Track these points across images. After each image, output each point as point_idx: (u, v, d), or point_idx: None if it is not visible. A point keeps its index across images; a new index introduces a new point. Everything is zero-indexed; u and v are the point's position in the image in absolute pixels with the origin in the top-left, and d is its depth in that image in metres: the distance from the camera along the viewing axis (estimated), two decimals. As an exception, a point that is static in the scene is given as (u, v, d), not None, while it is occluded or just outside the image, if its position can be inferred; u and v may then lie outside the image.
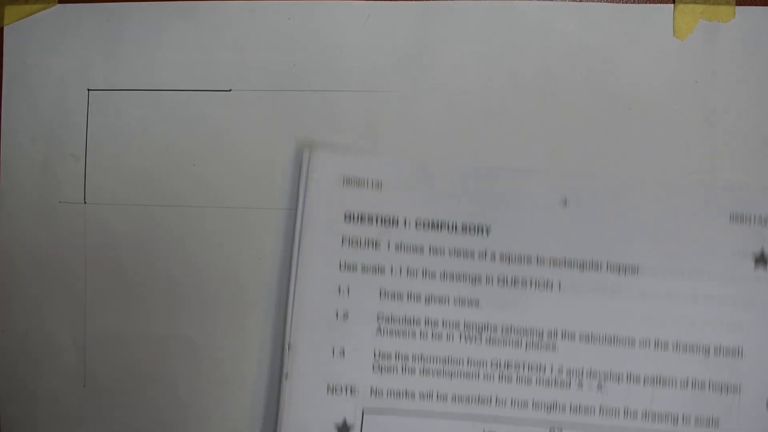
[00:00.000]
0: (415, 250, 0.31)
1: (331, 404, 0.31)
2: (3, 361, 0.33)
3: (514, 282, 0.31)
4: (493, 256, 0.31)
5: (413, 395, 0.31)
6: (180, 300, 0.32)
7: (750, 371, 0.31)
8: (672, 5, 0.30)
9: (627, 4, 0.30)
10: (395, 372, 0.31)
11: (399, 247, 0.31)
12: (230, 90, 0.32)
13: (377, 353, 0.31)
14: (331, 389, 0.31)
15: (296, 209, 0.31)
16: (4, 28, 0.32)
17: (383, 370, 0.31)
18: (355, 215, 0.31)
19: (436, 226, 0.31)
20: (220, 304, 0.32)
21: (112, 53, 0.32)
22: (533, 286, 0.31)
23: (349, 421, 0.31)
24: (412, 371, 0.31)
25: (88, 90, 0.32)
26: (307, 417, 0.31)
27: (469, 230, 0.31)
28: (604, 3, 0.31)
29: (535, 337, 0.31)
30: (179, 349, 0.32)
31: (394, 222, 0.31)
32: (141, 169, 0.32)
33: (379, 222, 0.31)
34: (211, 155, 0.32)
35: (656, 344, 0.31)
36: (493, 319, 0.31)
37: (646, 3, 0.30)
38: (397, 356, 0.31)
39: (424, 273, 0.31)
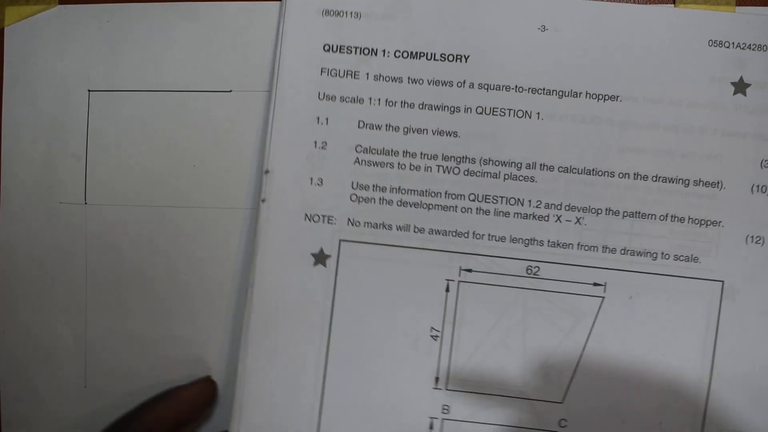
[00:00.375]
0: (394, 80, 0.31)
1: (308, 232, 0.31)
2: (3, 361, 0.33)
3: (493, 111, 0.31)
4: (472, 85, 0.31)
5: (390, 227, 0.31)
6: (182, 300, 0.32)
7: (730, 205, 0.30)
8: (672, 5, 0.31)
9: (627, 4, 0.31)
10: (373, 203, 0.31)
11: (378, 77, 0.31)
12: (231, 91, 0.32)
13: (355, 184, 0.31)
14: (309, 217, 0.31)
15: (275, 41, 0.31)
16: (5, 28, 0.32)
17: (361, 201, 0.31)
18: (335, 46, 0.31)
19: (415, 55, 0.31)
20: (223, 304, 0.32)
21: (113, 54, 0.32)
22: (512, 115, 0.31)
23: (326, 251, 0.31)
24: (390, 202, 0.31)
25: (89, 91, 0.32)
26: (284, 244, 0.31)
27: (448, 59, 0.31)
28: (604, 2, 0.31)
29: (513, 168, 0.31)
30: (180, 349, 0.32)
31: (373, 52, 0.31)
32: (142, 170, 0.32)
33: (358, 52, 0.31)
34: (211, 156, 0.32)
35: (636, 176, 0.30)
36: (471, 151, 0.31)
37: (646, 3, 0.31)
38: (375, 187, 0.31)
39: (403, 104, 0.31)
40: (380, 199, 0.31)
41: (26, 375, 0.32)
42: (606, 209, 0.30)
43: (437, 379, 0.31)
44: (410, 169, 0.31)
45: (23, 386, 0.32)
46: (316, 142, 0.31)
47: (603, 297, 0.31)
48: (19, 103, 0.32)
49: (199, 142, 0.32)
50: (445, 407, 0.31)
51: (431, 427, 0.31)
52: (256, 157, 0.32)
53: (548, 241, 0.31)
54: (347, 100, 0.31)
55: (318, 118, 0.31)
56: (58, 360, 0.32)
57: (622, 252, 0.30)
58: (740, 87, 0.30)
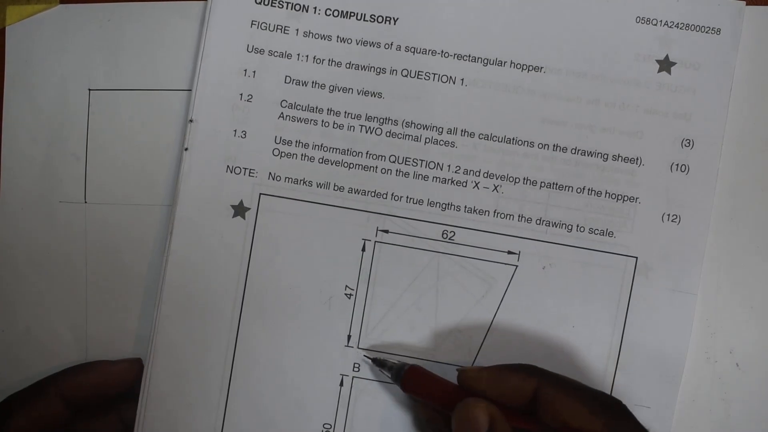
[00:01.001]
0: (323, 38, 0.31)
1: (229, 183, 0.31)
2: (4, 360, 0.32)
3: (418, 75, 0.31)
4: (399, 48, 0.31)
5: (311, 183, 0.31)
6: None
7: (648, 182, 0.30)
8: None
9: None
10: (295, 158, 0.31)
11: (307, 33, 0.31)
12: None
13: (278, 138, 0.31)
14: (231, 169, 0.31)
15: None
16: (6, 28, 0.32)
17: (283, 156, 0.31)
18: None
19: (345, 14, 0.31)
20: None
21: (113, 53, 0.32)
22: (437, 79, 0.31)
23: (246, 203, 0.31)
24: (312, 159, 0.31)
25: (89, 90, 0.32)
26: (205, 193, 0.31)
27: (378, 20, 0.31)
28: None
29: (434, 132, 0.31)
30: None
31: (304, 8, 0.31)
32: (141, 169, 0.32)
33: (289, 7, 0.31)
34: None
35: (555, 148, 0.31)
36: (394, 112, 0.31)
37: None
38: (297, 143, 0.31)
39: (331, 62, 0.31)
40: (302, 155, 0.31)
41: (26, 374, 0.32)
42: (524, 178, 0.31)
43: (349, 337, 0.31)
44: (333, 127, 0.31)
45: (23, 385, 0.31)
46: (241, 95, 0.31)
47: (516, 266, 0.31)
48: (20, 102, 0.33)
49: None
50: (356, 365, 0.31)
51: (341, 384, 0.31)
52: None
53: (465, 207, 0.31)
54: (275, 54, 0.31)
55: (245, 71, 0.31)
56: (58, 359, 0.32)
57: (538, 222, 0.31)
58: (665, 65, 0.30)
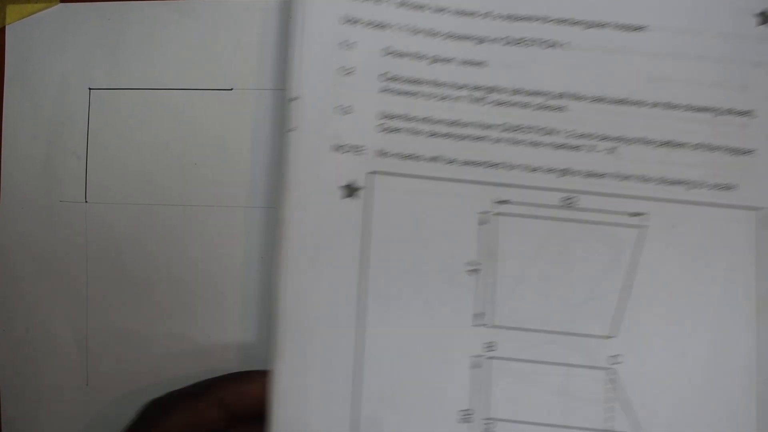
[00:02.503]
0: (417, 7, 0.30)
1: (336, 163, 0.29)
2: (4, 361, 0.32)
3: (520, 42, 0.30)
4: (495, 17, 0.31)
5: (420, 158, 0.30)
6: (182, 298, 0.31)
7: (763, 134, 0.30)
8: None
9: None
10: (401, 133, 0.30)
11: (401, 4, 0.30)
12: (232, 89, 0.32)
13: (383, 113, 0.30)
14: (337, 147, 0.29)
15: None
16: (6, 27, 0.32)
17: (389, 131, 0.30)
18: (359, -29, 0.31)
19: (440, -17, 0.31)
20: (222, 302, 0.31)
21: (114, 52, 0.32)
22: (539, 45, 0.30)
23: (355, 183, 0.29)
24: (419, 133, 0.30)
25: (90, 89, 0.32)
26: (313, 176, 0.29)
27: (472, -12, 0.31)
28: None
29: (543, 98, 0.30)
30: (181, 347, 0.31)
31: (397, -22, 0.31)
32: (142, 168, 0.32)
33: (383, -22, 0.31)
34: (212, 154, 0.32)
35: (666, 106, 0.30)
36: (500, 81, 0.30)
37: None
38: (402, 117, 0.30)
39: (428, 32, 0.30)
40: (409, 129, 0.30)
41: (27, 374, 0.31)
42: (639, 138, 0.30)
43: (480, 315, 0.29)
44: (438, 99, 0.30)
45: (24, 385, 0.31)
46: (341, 68, 0.30)
47: (643, 227, 0.29)
48: (20, 101, 0.32)
49: (200, 141, 0.32)
50: (491, 345, 0.28)
51: (477, 366, 0.28)
52: (256, 156, 0.32)
53: (583, 171, 0.30)
54: (372, 25, 0.30)
55: (343, 43, 0.30)
56: (59, 358, 0.31)
57: (659, 182, 0.30)
58: (764, 18, 0.31)
